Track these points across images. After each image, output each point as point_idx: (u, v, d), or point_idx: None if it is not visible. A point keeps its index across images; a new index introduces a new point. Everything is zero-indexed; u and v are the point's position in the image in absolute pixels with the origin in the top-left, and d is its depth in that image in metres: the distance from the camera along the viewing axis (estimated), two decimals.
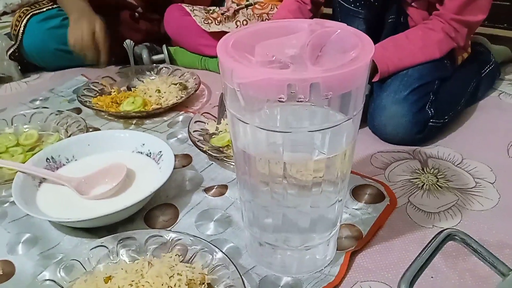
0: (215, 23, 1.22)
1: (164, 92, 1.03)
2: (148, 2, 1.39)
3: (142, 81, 1.16)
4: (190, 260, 0.59)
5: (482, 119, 0.95)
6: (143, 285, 0.53)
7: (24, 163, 0.76)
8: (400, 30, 0.99)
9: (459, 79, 0.95)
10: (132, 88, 1.12)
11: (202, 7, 1.31)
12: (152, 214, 0.71)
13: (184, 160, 0.85)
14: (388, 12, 1.02)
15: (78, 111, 1.07)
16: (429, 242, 0.44)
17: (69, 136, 0.90)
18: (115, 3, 1.34)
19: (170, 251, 0.60)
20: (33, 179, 0.74)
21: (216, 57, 1.25)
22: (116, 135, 0.84)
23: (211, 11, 1.30)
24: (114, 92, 1.11)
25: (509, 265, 0.44)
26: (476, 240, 0.44)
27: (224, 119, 0.93)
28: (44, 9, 1.29)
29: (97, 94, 1.09)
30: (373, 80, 0.91)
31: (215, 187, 0.78)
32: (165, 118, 1.01)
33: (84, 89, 1.10)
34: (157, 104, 1.02)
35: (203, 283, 0.55)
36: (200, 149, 0.84)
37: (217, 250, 0.59)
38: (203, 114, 0.95)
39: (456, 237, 0.44)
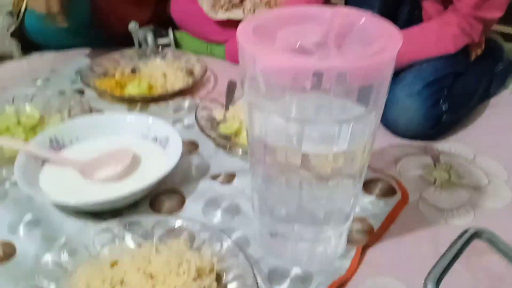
0: (222, 10, 1.20)
1: (170, 77, 1.01)
2: None
3: (147, 64, 1.14)
4: (198, 247, 0.57)
5: (494, 117, 0.94)
6: (150, 272, 0.51)
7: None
8: (414, 23, 0.97)
9: (473, 75, 0.94)
10: (136, 71, 1.09)
11: None
12: (158, 199, 0.70)
13: (191, 147, 0.83)
14: (403, 4, 1.00)
15: (81, 92, 1.04)
16: (455, 240, 0.43)
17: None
18: None
19: (178, 237, 0.58)
20: (35, 160, 0.72)
21: (223, 44, 1.23)
22: (121, 118, 0.82)
23: None
24: (116, 74, 1.08)
25: None
26: (503, 239, 0.43)
27: (232, 107, 0.91)
28: None
29: (101, 75, 1.07)
30: None
31: (223, 174, 0.76)
32: (170, 103, 0.99)
33: (88, 70, 1.07)
34: (163, 89, 0.99)
35: (212, 272, 0.53)
36: (208, 136, 0.82)
37: (226, 238, 0.57)
38: (210, 101, 0.93)
39: (482, 235, 0.42)
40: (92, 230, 0.58)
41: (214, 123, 0.87)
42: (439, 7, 0.98)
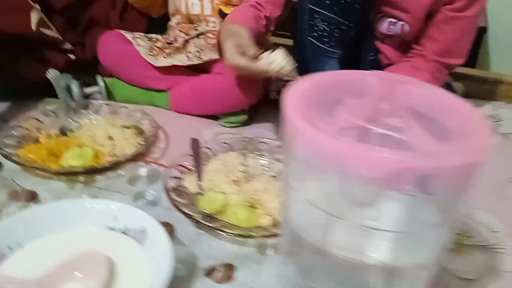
0: (163, 55, 1.05)
1: (118, 139, 0.83)
2: (67, 22, 1.16)
3: (78, 123, 0.94)
4: None
5: None
6: None
7: None
8: (379, 68, 0.94)
9: None
10: (67, 133, 0.89)
11: (142, 34, 1.12)
12: None
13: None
14: (365, 49, 0.97)
15: None
16: None
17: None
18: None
19: None
20: None
21: (163, 91, 1.08)
22: (74, 207, 0.63)
23: (153, 39, 1.12)
24: (41, 137, 0.87)
25: None
26: None
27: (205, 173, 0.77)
28: None
29: (21, 141, 0.85)
30: None
31: (218, 268, 0.62)
32: (121, 173, 0.81)
33: (2, 135, 0.84)
34: (112, 156, 0.81)
35: None
36: (188, 217, 0.67)
37: None
38: (177, 167, 0.78)
39: None
40: None
41: (192, 197, 0.72)
42: (396, 52, 0.97)
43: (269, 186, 0.74)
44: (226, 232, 0.65)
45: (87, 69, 1.16)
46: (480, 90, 1.22)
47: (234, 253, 0.65)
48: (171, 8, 1.13)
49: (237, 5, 1.02)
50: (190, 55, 1.05)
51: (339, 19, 0.85)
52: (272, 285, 0.60)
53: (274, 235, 0.65)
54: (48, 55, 1.07)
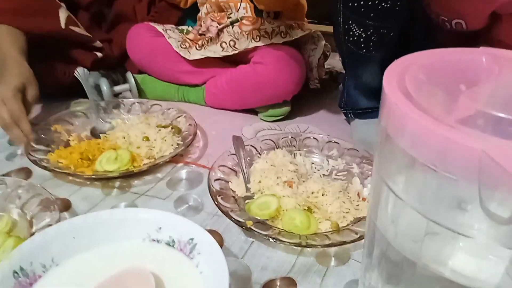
0: (196, 47, 0.98)
1: (155, 140, 0.77)
2: (92, 19, 1.10)
3: (110, 123, 0.88)
4: None
5: None
6: None
7: None
8: (431, 43, 0.83)
9: None
10: (100, 134, 0.83)
11: (173, 26, 1.05)
12: None
13: None
14: (415, 24, 0.86)
15: (27, 172, 0.76)
16: None
17: (31, 219, 0.60)
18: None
19: None
20: None
21: (197, 85, 1.01)
22: (113, 217, 0.56)
23: (185, 31, 1.05)
24: (72, 140, 0.81)
25: None
26: None
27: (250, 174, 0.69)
28: None
29: (50, 145, 0.79)
30: None
31: (278, 283, 0.54)
32: (159, 176, 0.75)
33: (32, 139, 0.78)
34: (149, 158, 0.75)
35: None
36: (238, 225, 0.59)
37: None
38: (219, 168, 0.71)
39: None
40: None
41: (239, 201, 0.65)
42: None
43: (325, 187, 0.66)
44: (282, 241, 0.57)
45: (115, 66, 1.11)
46: None
47: (292, 264, 0.57)
48: None
49: None
50: (224, 45, 0.97)
51: (377, 24, 0.75)
52: None
53: (338, 243, 0.57)
54: (74, 54, 1.01)
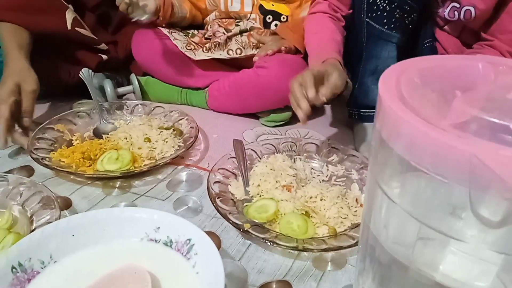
0: (203, 50, 0.98)
1: (156, 141, 0.77)
2: (98, 21, 1.11)
3: (113, 124, 0.89)
4: None
5: None
6: None
7: None
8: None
9: None
10: (103, 135, 0.83)
11: (179, 29, 1.06)
12: None
13: None
14: (422, 36, 0.88)
15: (29, 170, 0.77)
16: None
17: (31, 217, 0.61)
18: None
19: None
20: None
21: (200, 89, 1.01)
22: (112, 216, 0.57)
23: (190, 34, 1.06)
24: (75, 140, 0.82)
25: None
26: None
27: (250, 178, 0.70)
28: None
29: (52, 143, 0.80)
30: None
31: (273, 286, 0.54)
32: (159, 177, 0.75)
33: (35, 138, 0.79)
34: (150, 159, 0.75)
35: None
36: (236, 227, 0.60)
37: None
38: (219, 170, 0.71)
39: None
40: None
41: (238, 204, 0.65)
42: (455, 40, 0.88)
43: (324, 192, 0.66)
44: (279, 244, 0.57)
45: (119, 68, 1.12)
46: None
47: (288, 268, 0.57)
48: (208, 5, 1.06)
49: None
50: (231, 52, 0.98)
51: None
52: None
53: (334, 248, 0.57)
54: (80, 55, 1.02)
